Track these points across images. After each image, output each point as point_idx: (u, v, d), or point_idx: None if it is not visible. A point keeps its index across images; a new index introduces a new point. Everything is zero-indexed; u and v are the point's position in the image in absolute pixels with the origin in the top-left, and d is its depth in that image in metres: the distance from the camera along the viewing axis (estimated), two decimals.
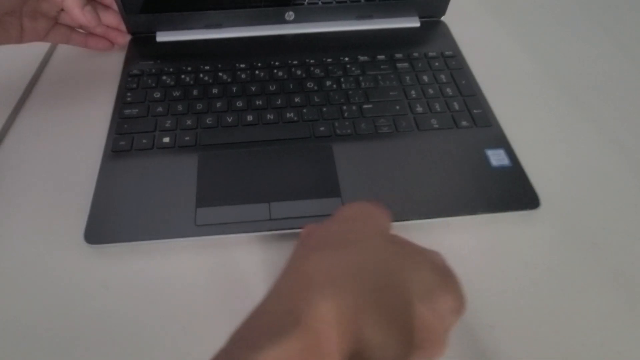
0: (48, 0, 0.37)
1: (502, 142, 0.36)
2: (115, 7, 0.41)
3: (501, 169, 0.34)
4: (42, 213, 0.32)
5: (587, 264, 0.30)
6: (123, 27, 0.43)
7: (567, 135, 0.38)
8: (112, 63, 0.42)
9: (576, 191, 0.34)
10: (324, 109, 0.37)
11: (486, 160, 0.34)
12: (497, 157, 0.34)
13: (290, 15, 0.44)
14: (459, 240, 0.31)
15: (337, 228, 0.20)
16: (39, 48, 0.43)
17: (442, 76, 0.40)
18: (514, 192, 0.32)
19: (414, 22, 0.46)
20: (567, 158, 0.36)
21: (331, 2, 0.44)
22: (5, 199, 0.33)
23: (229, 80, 0.40)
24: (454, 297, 0.18)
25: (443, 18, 0.47)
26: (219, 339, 0.26)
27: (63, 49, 0.44)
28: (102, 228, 0.30)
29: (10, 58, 0.43)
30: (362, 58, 0.42)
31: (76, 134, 0.37)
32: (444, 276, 0.19)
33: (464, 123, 0.37)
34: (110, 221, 0.30)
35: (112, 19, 0.42)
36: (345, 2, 0.44)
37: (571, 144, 0.37)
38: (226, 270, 0.27)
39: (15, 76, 0.41)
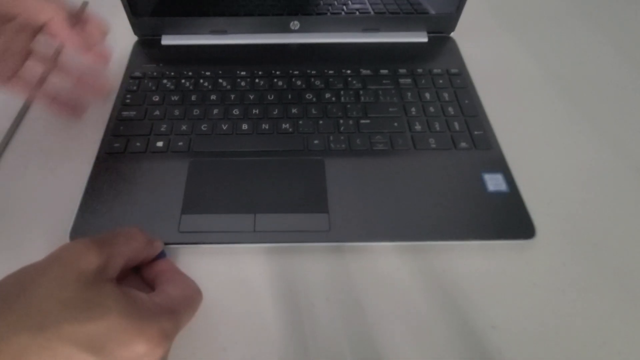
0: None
1: (501, 166, 0.34)
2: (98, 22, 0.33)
3: (498, 194, 0.32)
4: (33, 208, 0.32)
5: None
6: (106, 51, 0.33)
7: (573, 164, 0.36)
8: (116, 64, 0.43)
9: (576, 221, 0.32)
10: (320, 122, 0.37)
11: (483, 184, 0.33)
12: (494, 182, 0.33)
13: (295, 24, 0.44)
14: (451, 261, 0.30)
15: (27, 273, 0.20)
16: None
17: (445, 94, 0.39)
18: (509, 219, 0.31)
19: (421, 37, 0.45)
20: (570, 187, 0.34)
21: (339, 13, 0.43)
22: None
23: (228, 87, 0.39)
24: (143, 341, 0.19)
25: (452, 34, 0.46)
26: (188, 347, 0.26)
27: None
28: (88, 227, 0.30)
29: None
30: (364, 71, 0.41)
31: (76, 134, 0.37)
32: (137, 320, 0.19)
33: (463, 144, 0.35)
34: (97, 221, 0.31)
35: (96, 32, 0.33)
36: (353, 13, 0.44)
37: (576, 173, 0.35)
38: (203, 281, 0.27)
39: None
